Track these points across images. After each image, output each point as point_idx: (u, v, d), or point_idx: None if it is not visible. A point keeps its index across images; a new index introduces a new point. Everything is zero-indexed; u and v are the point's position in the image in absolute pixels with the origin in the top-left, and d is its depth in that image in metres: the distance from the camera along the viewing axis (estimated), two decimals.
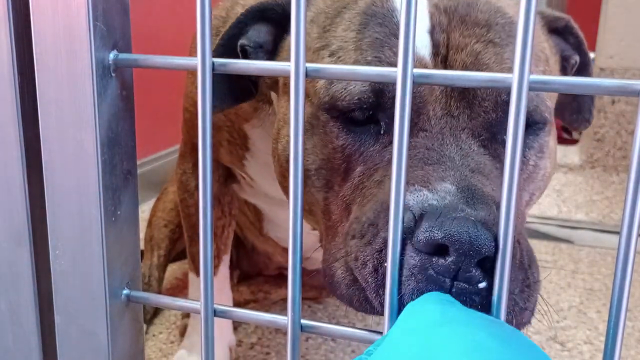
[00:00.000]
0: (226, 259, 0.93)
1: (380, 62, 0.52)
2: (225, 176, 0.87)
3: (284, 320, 0.44)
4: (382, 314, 0.43)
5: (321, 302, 1.18)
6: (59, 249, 0.47)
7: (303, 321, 0.44)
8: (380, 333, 0.42)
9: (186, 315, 1.02)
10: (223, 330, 0.92)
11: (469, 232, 0.39)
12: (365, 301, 0.47)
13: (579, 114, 0.71)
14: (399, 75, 0.37)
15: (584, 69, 0.68)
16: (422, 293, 0.41)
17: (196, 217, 0.79)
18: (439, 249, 0.41)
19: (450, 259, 0.41)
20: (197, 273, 0.69)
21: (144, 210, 1.26)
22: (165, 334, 1.05)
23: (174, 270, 1.27)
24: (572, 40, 0.67)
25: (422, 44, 0.52)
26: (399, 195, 0.38)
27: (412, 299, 0.41)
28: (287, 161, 0.54)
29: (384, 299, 0.40)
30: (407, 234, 0.42)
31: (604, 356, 0.38)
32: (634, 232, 0.36)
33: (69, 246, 0.47)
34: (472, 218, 0.41)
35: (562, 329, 1.09)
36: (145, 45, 1.57)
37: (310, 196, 0.57)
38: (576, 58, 0.67)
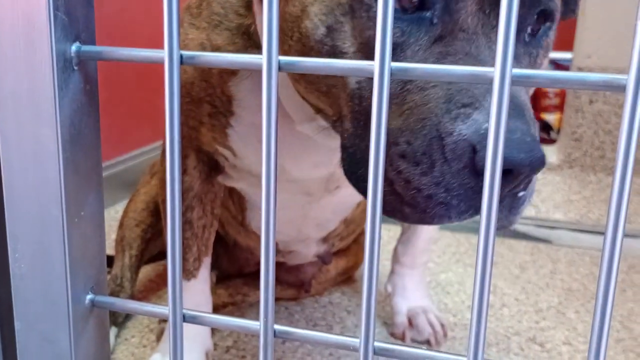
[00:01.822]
0: (207, 261, 0.90)
1: None
2: (207, 172, 0.85)
3: (256, 325, 0.43)
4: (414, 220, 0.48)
5: (298, 303, 1.16)
6: (18, 252, 0.45)
7: (277, 327, 0.42)
8: (356, 338, 0.40)
9: (163, 320, 1.00)
10: (201, 336, 0.90)
11: (528, 154, 0.44)
12: (401, 212, 0.50)
13: (566, 5, 0.70)
14: (376, 69, 0.35)
15: None
16: (473, 205, 0.46)
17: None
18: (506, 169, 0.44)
19: (510, 178, 0.45)
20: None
21: (118, 210, 1.24)
22: (138, 337, 1.03)
23: (147, 272, 1.25)
24: None
25: None
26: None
27: (465, 213, 0.46)
28: (316, 41, 0.53)
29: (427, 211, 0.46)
30: (468, 161, 0.45)
31: (588, 358, 0.37)
32: (620, 230, 0.35)
33: (28, 249, 0.44)
34: (528, 138, 0.44)
35: (541, 329, 1.09)
36: (120, 39, 1.54)
37: (335, 79, 0.54)
38: None
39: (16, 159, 0.43)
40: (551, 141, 2.34)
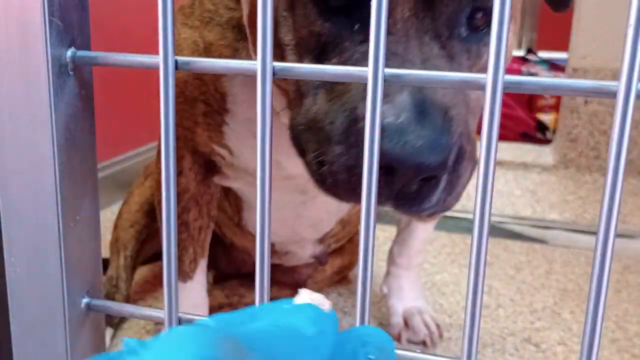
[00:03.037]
0: (203, 263, 0.90)
1: None
2: (203, 173, 0.85)
3: None
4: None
5: None
6: (14, 256, 0.45)
7: None
8: None
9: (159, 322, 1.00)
10: None
11: (411, 156, 0.45)
12: (329, 188, 0.52)
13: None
14: (370, 75, 0.35)
15: None
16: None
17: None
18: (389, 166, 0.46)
19: (395, 178, 0.47)
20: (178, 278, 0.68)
21: (114, 211, 1.24)
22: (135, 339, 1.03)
23: (144, 273, 1.25)
24: None
25: None
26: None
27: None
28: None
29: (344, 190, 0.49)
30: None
31: (580, 358, 0.37)
32: (612, 230, 0.35)
33: (24, 253, 0.44)
34: (419, 141, 0.45)
35: (536, 330, 1.09)
36: (115, 44, 1.54)
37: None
38: None
39: (12, 163, 0.43)
40: (547, 141, 2.35)
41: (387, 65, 0.48)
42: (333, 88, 0.52)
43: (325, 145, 0.52)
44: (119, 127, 1.62)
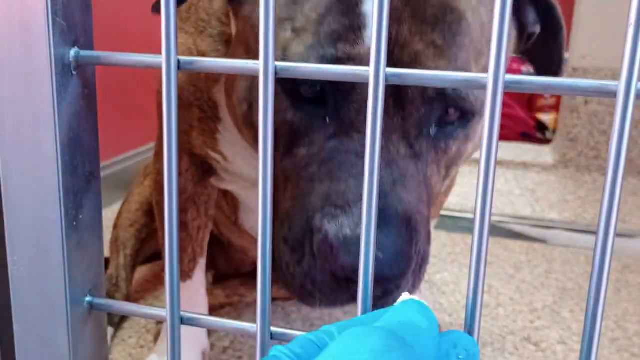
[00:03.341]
0: (202, 262, 0.90)
1: (334, 59, 0.51)
2: (200, 174, 0.85)
3: (253, 328, 0.43)
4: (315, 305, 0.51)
5: (295, 304, 1.16)
6: (16, 255, 0.45)
7: (273, 328, 0.42)
8: None
9: (160, 321, 1.00)
10: (197, 336, 0.90)
11: (378, 269, 0.43)
12: (287, 287, 0.53)
13: (548, 68, 0.71)
14: (371, 75, 0.35)
15: (555, 37, 0.68)
16: (333, 301, 0.50)
17: None
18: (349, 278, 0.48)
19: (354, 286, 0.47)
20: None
21: (115, 211, 1.24)
22: (135, 338, 1.03)
23: (144, 272, 1.25)
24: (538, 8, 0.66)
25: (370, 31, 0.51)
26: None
27: (325, 303, 0.50)
28: (242, 114, 0.59)
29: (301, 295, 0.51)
30: (328, 261, 0.48)
31: (580, 358, 0.37)
32: (612, 229, 0.35)
33: (27, 252, 0.45)
34: (379, 253, 0.45)
35: (536, 329, 1.09)
36: (114, 43, 1.54)
37: (257, 147, 0.58)
38: (535, 29, 0.66)
39: (15, 162, 0.43)
40: (547, 141, 2.35)
41: (349, 168, 0.49)
42: (298, 184, 0.52)
43: (282, 246, 0.52)
44: (119, 127, 1.63)
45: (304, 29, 0.52)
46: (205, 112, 0.76)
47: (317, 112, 0.53)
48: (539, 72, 0.72)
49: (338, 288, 0.49)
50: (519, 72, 2.47)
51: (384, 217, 0.48)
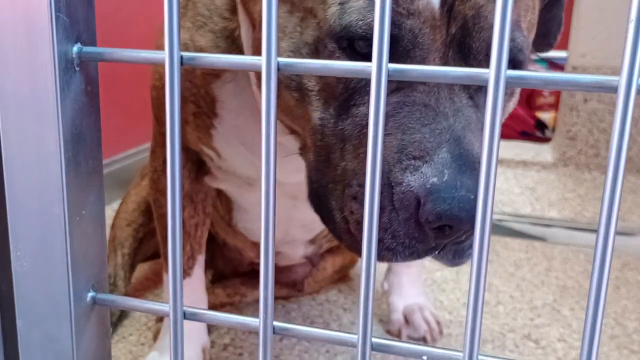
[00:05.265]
0: (201, 260, 0.90)
1: (395, 12, 0.49)
2: (195, 171, 0.85)
3: (255, 322, 0.43)
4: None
5: (295, 301, 1.17)
6: (20, 250, 0.45)
7: (276, 323, 0.43)
8: (354, 335, 0.41)
9: (160, 319, 1.00)
10: (197, 332, 0.91)
11: (467, 211, 0.45)
12: (356, 248, 0.53)
13: (544, 38, 0.71)
14: (374, 70, 0.36)
15: None
16: (416, 252, 0.50)
17: None
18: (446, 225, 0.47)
19: (448, 232, 0.48)
20: None
21: (115, 209, 1.24)
22: (136, 335, 1.03)
23: (144, 270, 1.25)
24: None
25: None
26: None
27: (406, 256, 0.50)
28: (285, 76, 0.56)
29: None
30: (412, 213, 0.47)
31: (580, 355, 0.38)
32: (612, 228, 0.35)
33: (30, 247, 0.45)
34: (470, 194, 0.46)
35: (536, 326, 1.10)
36: (116, 39, 1.54)
37: (303, 111, 0.56)
38: None
39: (18, 158, 0.43)
40: (546, 139, 2.35)
41: (419, 118, 0.49)
42: (361, 142, 0.52)
43: (354, 205, 0.52)
44: (119, 125, 1.63)
45: None
46: (200, 107, 0.75)
47: None
48: (538, 38, 0.72)
49: (422, 239, 0.49)
50: None
51: (464, 160, 0.48)
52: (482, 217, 0.36)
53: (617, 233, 0.36)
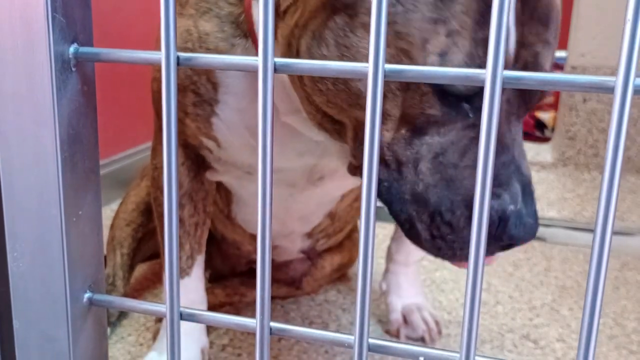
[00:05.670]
0: (200, 260, 0.90)
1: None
2: (196, 169, 0.85)
3: (253, 323, 0.43)
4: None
5: (294, 301, 1.17)
6: (17, 251, 0.45)
7: (273, 324, 0.43)
8: (351, 335, 0.41)
9: (159, 319, 1.00)
10: (196, 333, 0.90)
11: (531, 235, 0.57)
12: (440, 254, 0.60)
13: None
14: (370, 70, 0.35)
15: None
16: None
17: None
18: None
19: (508, 246, 0.59)
20: None
21: (113, 209, 1.24)
22: (135, 336, 1.03)
23: (143, 270, 1.25)
24: None
25: (511, 36, 0.54)
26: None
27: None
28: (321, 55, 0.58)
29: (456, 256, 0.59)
30: (494, 232, 0.56)
31: (577, 354, 0.38)
32: (609, 228, 0.35)
33: (27, 247, 0.45)
34: (533, 220, 0.56)
35: (535, 326, 1.10)
36: (113, 40, 1.54)
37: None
38: None
39: (15, 159, 0.43)
40: (545, 139, 2.35)
41: (498, 156, 0.55)
42: (437, 169, 0.57)
43: (438, 220, 0.58)
44: (118, 125, 1.63)
45: (459, 34, 0.52)
46: (201, 95, 0.75)
47: (459, 106, 0.56)
48: None
49: (488, 249, 0.55)
50: None
51: (528, 189, 0.57)
52: (479, 217, 0.36)
53: (616, 233, 0.36)
